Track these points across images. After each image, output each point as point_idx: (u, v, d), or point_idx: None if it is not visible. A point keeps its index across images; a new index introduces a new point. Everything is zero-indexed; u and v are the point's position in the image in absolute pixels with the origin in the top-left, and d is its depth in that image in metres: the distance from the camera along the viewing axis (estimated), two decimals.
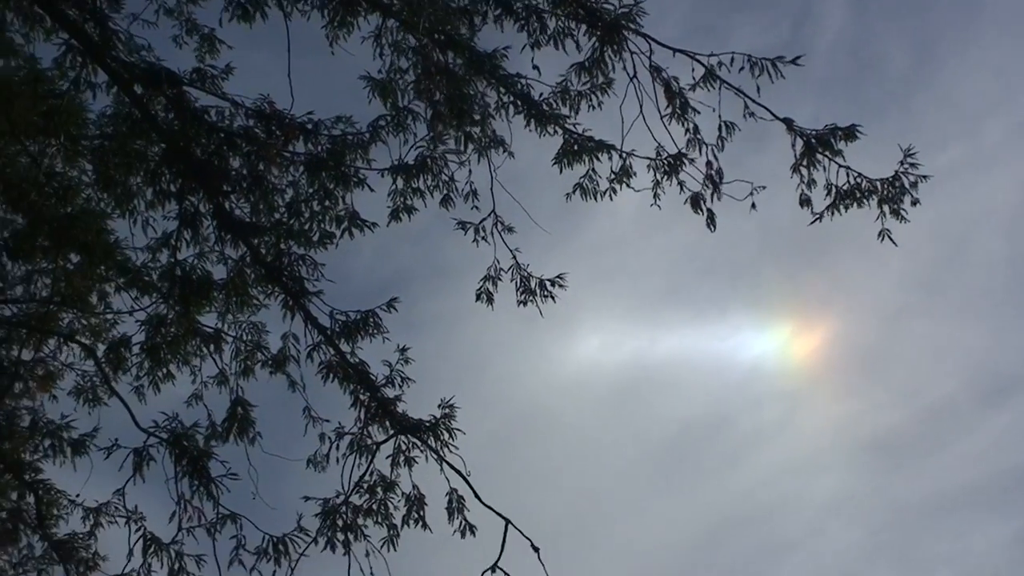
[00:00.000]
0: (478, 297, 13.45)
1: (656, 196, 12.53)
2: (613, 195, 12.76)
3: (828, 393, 25.01)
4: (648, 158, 12.52)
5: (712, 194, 12.04)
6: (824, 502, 25.89)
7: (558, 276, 13.24)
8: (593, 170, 12.79)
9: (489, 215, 13.29)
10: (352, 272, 12.98)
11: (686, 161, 12.19)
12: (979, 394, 25.32)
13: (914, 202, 11.54)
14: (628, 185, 12.68)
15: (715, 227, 12.17)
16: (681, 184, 12.34)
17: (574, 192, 12.82)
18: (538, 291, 13.27)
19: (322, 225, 12.58)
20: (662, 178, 12.43)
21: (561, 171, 12.71)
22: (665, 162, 12.33)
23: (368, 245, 13.35)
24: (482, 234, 13.31)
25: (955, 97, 21.87)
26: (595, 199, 12.81)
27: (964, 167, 23.57)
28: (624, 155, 12.58)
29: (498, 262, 13.46)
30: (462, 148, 12.62)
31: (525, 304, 13.31)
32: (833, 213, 11.63)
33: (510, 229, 13.30)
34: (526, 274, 13.33)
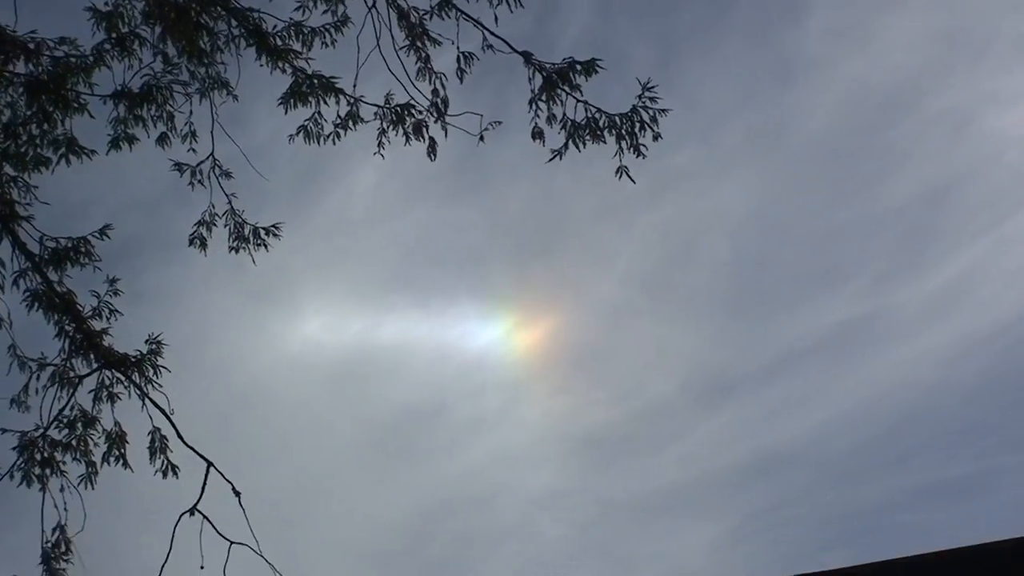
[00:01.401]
0: (191, 242, 13.10)
1: (381, 145, 12.49)
2: (337, 139, 12.66)
3: (547, 387, 25.49)
4: (376, 105, 12.46)
5: (437, 122, 11.99)
6: (537, 495, 26.33)
7: (273, 225, 13.09)
8: (319, 113, 12.62)
9: (208, 158, 13.06)
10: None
11: (413, 112, 12.18)
12: (696, 396, 26.19)
13: (655, 136, 11.40)
14: (354, 129, 12.58)
15: (435, 156, 12.13)
16: (407, 135, 12.30)
17: (297, 134, 12.61)
18: (252, 239, 13.11)
19: (39, 150, 12.20)
20: (388, 127, 12.41)
21: (286, 111, 12.52)
22: (392, 111, 12.32)
23: (98, 211, 13.01)
24: (199, 177, 13.06)
25: (694, 100, 22.55)
26: (319, 143, 12.68)
27: (698, 170, 24.32)
28: (351, 100, 12.51)
29: (213, 206, 13.22)
30: (188, 78, 12.39)
31: (237, 251, 13.06)
32: (567, 148, 11.53)
33: (228, 174, 13.07)
34: (240, 220, 13.15)
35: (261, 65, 12.33)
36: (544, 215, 23.72)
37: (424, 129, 12.10)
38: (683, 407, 26.11)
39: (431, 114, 11.95)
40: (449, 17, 11.60)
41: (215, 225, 13.21)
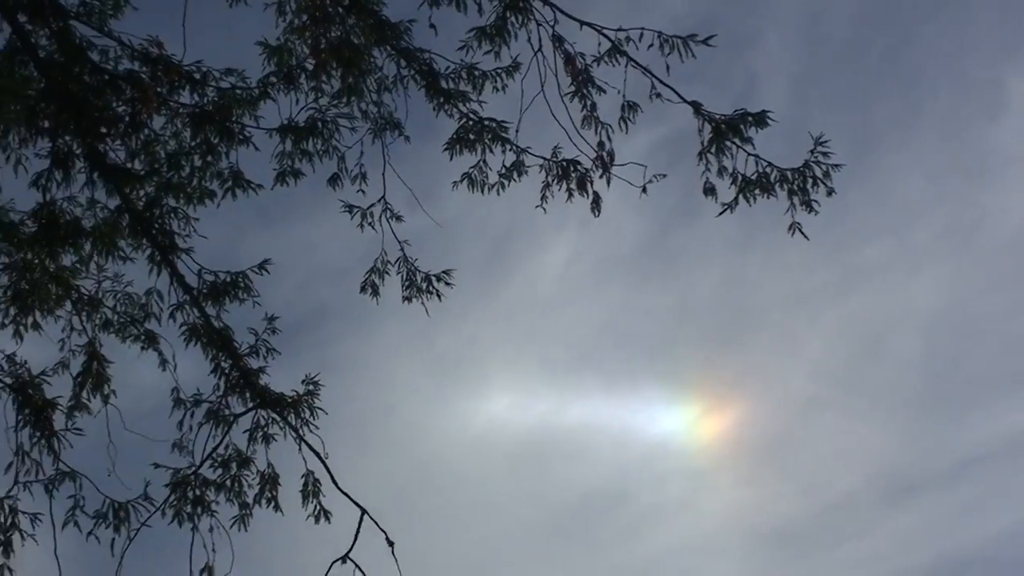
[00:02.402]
0: (363, 289, 12.82)
1: (544, 199, 11.99)
2: (502, 189, 12.19)
3: (732, 477, 24.63)
4: (542, 157, 11.98)
5: (602, 176, 11.47)
6: None
7: (444, 271, 12.65)
8: (484, 161, 12.17)
9: (379, 200, 12.73)
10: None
11: (578, 167, 11.67)
12: (881, 493, 24.98)
13: (829, 192, 10.88)
14: (517, 181, 12.11)
15: (599, 211, 11.60)
16: (571, 190, 11.79)
17: (462, 181, 12.21)
18: (424, 287, 12.69)
19: (203, 182, 12.03)
20: (553, 180, 11.90)
21: (451, 158, 12.12)
22: (558, 164, 11.81)
23: (289, 279, 12.86)
24: (369, 219, 12.72)
25: (888, 193, 21.73)
26: (482, 192, 12.23)
27: (890, 264, 23.42)
28: (518, 150, 12.05)
29: (386, 253, 12.88)
30: (351, 109, 12.08)
31: (410, 300, 12.70)
32: (737, 203, 10.98)
33: (399, 217, 12.74)
34: (412, 267, 12.75)
35: (432, 108, 11.95)
36: (733, 302, 23.00)
37: (589, 184, 11.57)
38: (869, 504, 24.92)
39: (596, 167, 11.42)
40: (619, 64, 11.08)
41: (388, 273, 12.87)
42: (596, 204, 11.60)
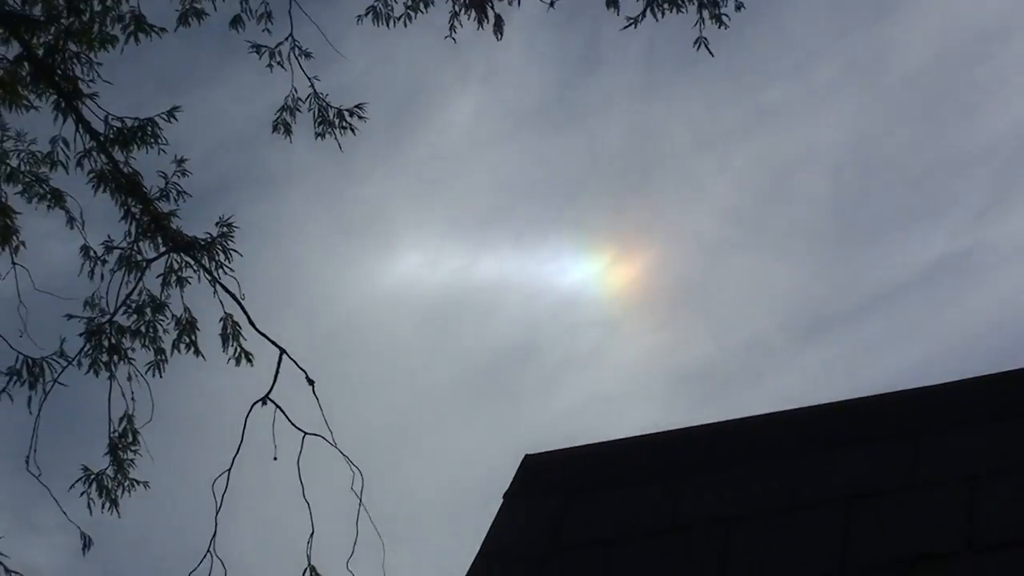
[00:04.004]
0: (275, 128, 12.70)
1: (452, 28, 11.97)
2: (409, 22, 12.12)
3: (644, 323, 24.84)
4: None
5: None
6: (636, 432, 25.68)
7: (356, 106, 12.57)
8: None
9: (287, 38, 12.57)
10: None
11: None
12: (793, 331, 25.43)
13: (738, 6, 10.96)
14: (424, 12, 12.03)
15: (502, 35, 11.57)
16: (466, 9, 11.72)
17: (366, 15, 12.05)
18: (337, 123, 12.61)
19: (104, 27, 11.81)
20: (460, 9, 11.87)
21: None
22: None
23: (194, 151, 12.70)
24: (278, 59, 12.56)
25: (790, 33, 21.94)
26: (388, 25, 12.15)
27: (794, 103, 23.69)
28: None
29: (295, 91, 12.74)
30: None
31: (323, 136, 12.62)
32: (644, 16, 10.99)
33: (308, 54, 12.60)
34: (324, 104, 12.63)
35: None
36: (640, 149, 23.18)
37: (489, 5, 11.57)
38: (780, 343, 25.37)
39: None
40: None
41: (299, 110, 12.75)
42: (498, 27, 11.59)
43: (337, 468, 11.40)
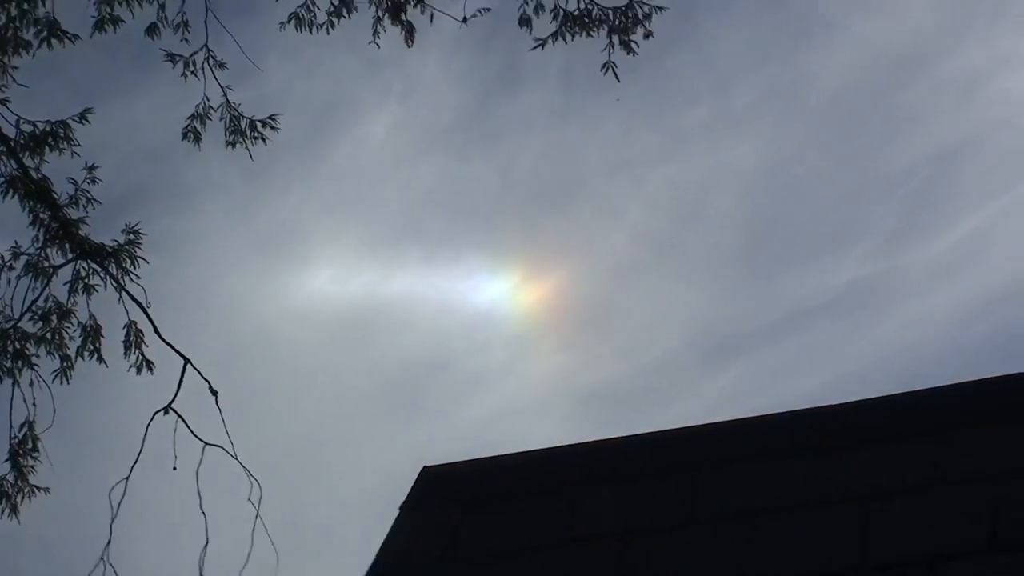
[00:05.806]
0: (184, 136, 12.65)
1: (376, 34, 12.06)
2: (331, 29, 12.15)
3: (553, 342, 25.01)
4: None
5: (416, 5, 11.48)
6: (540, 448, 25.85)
7: (269, 116, 12.58)
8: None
9: (202, 48, 12.55)
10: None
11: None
12: (702, 353, 25.70)
13: (647, 35, 11.21)
14: (347, 17, 12.06)
15: (412, 42, 11.69)
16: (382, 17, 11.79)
17: (289, 22, 12.09)
18: (248, 132, 12.59)
19: (19, 32, 11.72)
20: (383, 15, 11.93)
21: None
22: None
23: (109, 160, 12.64)
24: (192, 68, 12.53)
25: (708, 56, 22.20)
26: (311, 31, 12.18)
27: (711, 127, 23.95)
28: None
29: (207, 99, 12.71)
30: None
31: (234, 145, 12.59)
32: (556, 39, 11.13)
33: (222, 64, 12.58)
34: (236, 113, 12.62)
35: None
36: (555, 170, 23.36)
37: (403, 12, 11.63)
38: (690, 364, 25.65)
39: None
40: None
41: (209, 119, 12.70)
42: (410, 34, 11.70)
43: (239, 480, 11.42)
